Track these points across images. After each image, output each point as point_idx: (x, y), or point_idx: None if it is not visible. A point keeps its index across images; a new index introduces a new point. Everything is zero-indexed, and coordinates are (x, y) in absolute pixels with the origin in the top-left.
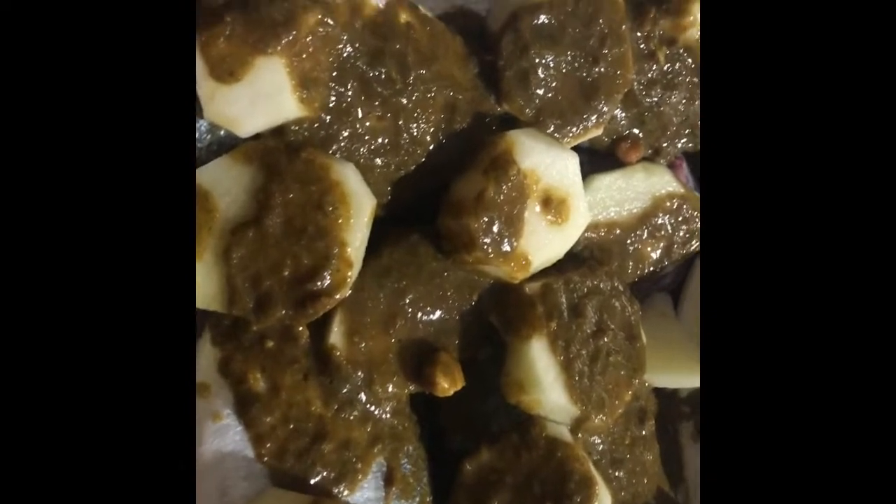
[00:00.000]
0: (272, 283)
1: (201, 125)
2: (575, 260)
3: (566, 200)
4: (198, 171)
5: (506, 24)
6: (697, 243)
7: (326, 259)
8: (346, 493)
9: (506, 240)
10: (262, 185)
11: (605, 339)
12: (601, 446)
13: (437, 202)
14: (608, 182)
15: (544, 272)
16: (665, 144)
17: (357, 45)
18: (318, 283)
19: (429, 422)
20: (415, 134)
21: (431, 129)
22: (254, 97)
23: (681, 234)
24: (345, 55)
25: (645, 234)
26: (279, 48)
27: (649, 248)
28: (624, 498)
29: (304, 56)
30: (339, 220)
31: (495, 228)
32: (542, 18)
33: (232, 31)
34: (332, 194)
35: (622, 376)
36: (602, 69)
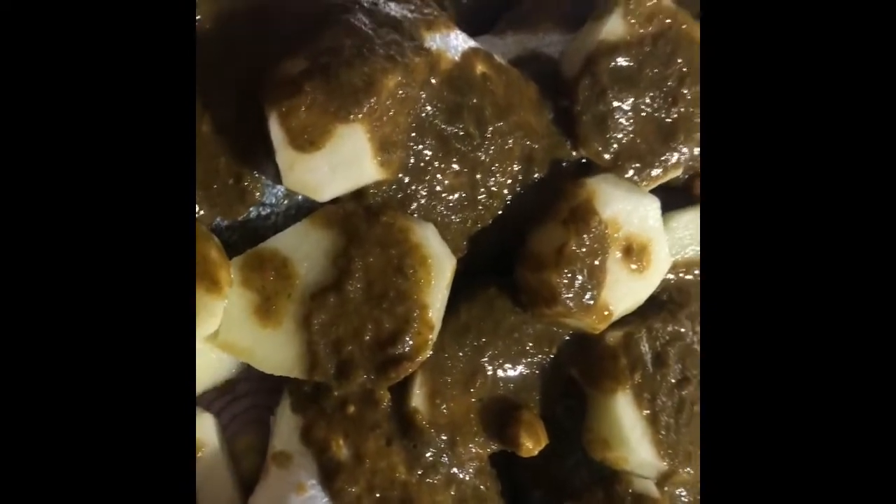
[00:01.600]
0: (353, 348)
1: (278, 190)
2: (653, 303)
3: (647, 247)
4: (276, 237)
5: (582, 67)
6: None
7: (407, 323)
8: None
9: (588, 292)
10: (342, 249)
11: (690, 388)
12: (687, 498)
13: (515, 252)
14: (686, 221)
15: (624, 318)
16: None
17: (435, 102)
18: (400, 347)
19: (507, 478)
20: (492, 188)
21: (508, 182)
22: (334, 165)
23: None
24: (423, 114)
25: None
26: (360, 115)
27: None
28: None
29: (385, 119)
30: (420, 283)
31: (577, 282)
32: (620, 61)
33: (313, 100)
34: (412, 257)
35: None
36: (681, 109)
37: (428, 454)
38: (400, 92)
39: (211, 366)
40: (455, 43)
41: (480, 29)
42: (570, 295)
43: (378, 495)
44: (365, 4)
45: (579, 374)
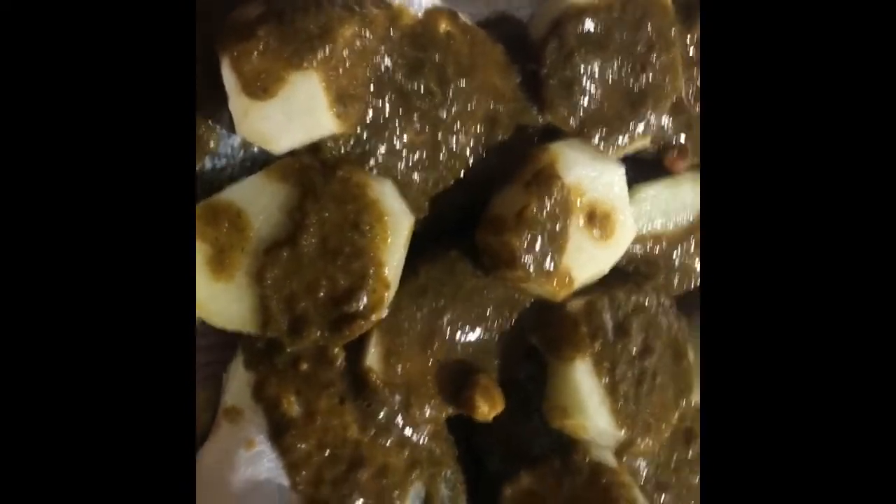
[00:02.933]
0: (307, 304)
1: (234, 141)
2: (619, 274)
3: (611, 215)
4: (230, 188)
5: (549, 30)
6: None
7: (363, 279)
8: None
9: (548, 257)
10: (298, 203)
11: (652, 359)
12: (646, 470)
13: (477, 216)
14: (654, 193)
15: (587, 288)
16: None
17: (395, 57)
18: (355, 305)
19: (466, 443)
20: (454, 148)
21: (471, 143)
22: (289, 114)
23: None
24: (382, 68)
25: (692, 247)
26: (315, 63)
27: (697, 262)
28: None
29: (341, 70)
30: (376, 240)
31: (538, 246)
32: (588, 24)
33: (265, 45)
34: (368, 213)
35: (669, 398)
36: (650, 76)
37: (381, 414)
38: (357, 43)
39: None
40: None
41: None
42: (530, 258)
43: (328, 453)
44: None
45: (539, 341)
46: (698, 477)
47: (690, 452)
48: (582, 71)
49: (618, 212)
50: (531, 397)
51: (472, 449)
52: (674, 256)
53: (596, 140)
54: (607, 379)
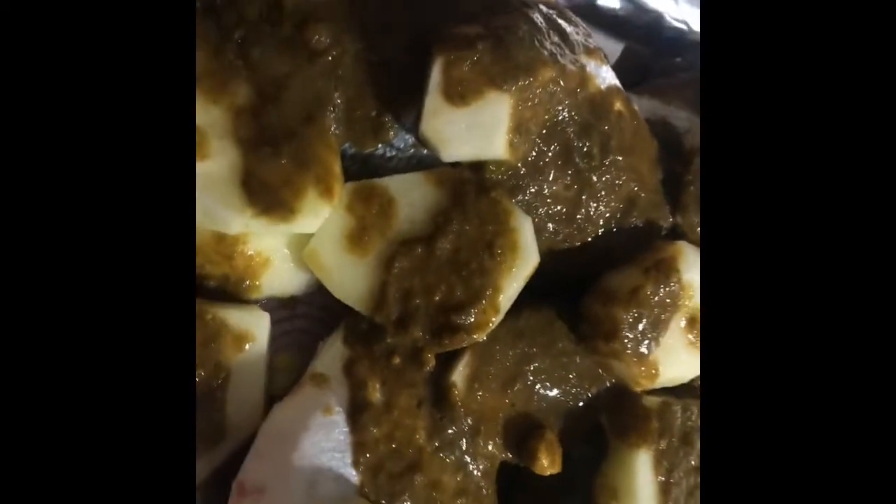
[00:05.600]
0: (421, 303)
1: (409, 138)
2: (691, 389)
3: None
4: (392, 177)
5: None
6: None
7: (477, 298)
8: None
9: (646, 341)
10: (445, 209)
11: None
12: None
13: (584, 284)
14: None
15: (662, 391)
16: None
17: (573, 113)
18: (463, 318)
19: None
20: (591, 213)
21: (607, 214)
22: (472, 126)
23: None
24: (559, 118)
25: None
26: (513, 89)
27: None
28: None
29: (529, 104)
30: (503, 266)
31: (641, 326)
32: None
33: (479, 58)
34: (504, 239)
35: None
36: None
37: (450, 430)
38: (551, 86)
39: (283, 276)
40: (605, 75)
41: None
42: (630, 335)
43: (394, 447)
44: (542, 9)
45: (609, 422)
46: None
47: None
48: None
49: None
50: (577, 479)
51: None
52: None
53: None
54: (663, 478)
